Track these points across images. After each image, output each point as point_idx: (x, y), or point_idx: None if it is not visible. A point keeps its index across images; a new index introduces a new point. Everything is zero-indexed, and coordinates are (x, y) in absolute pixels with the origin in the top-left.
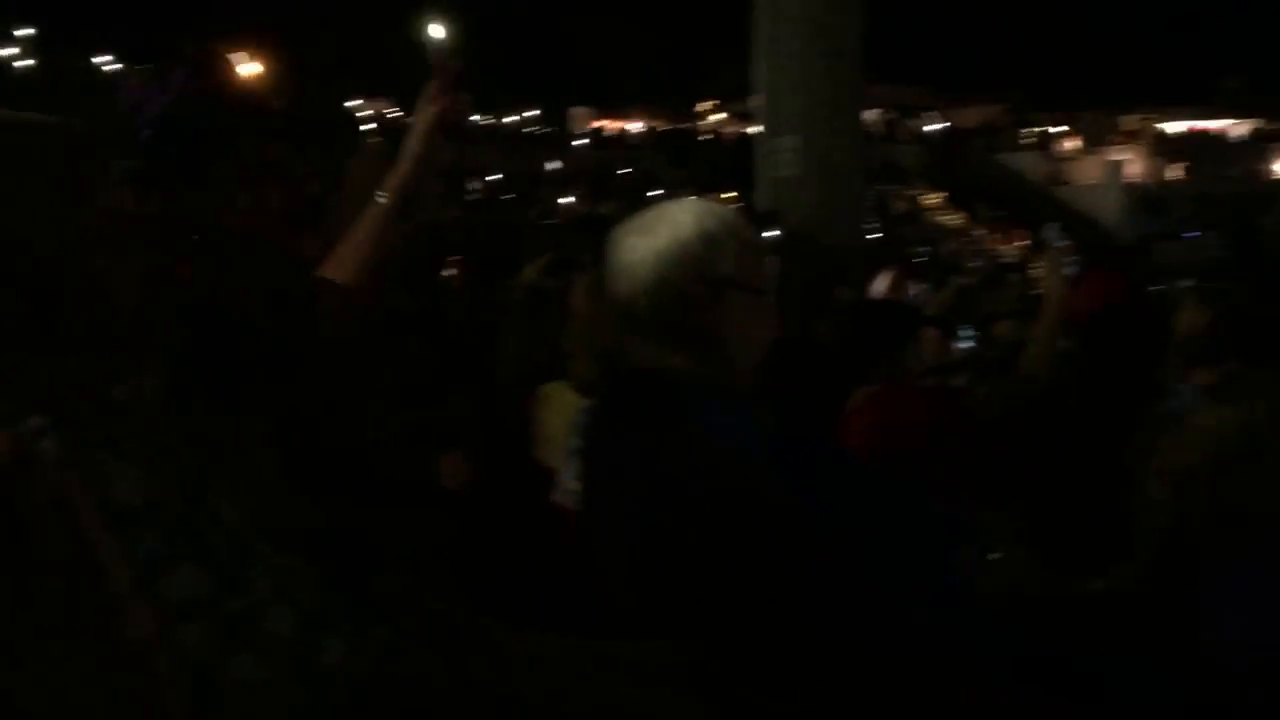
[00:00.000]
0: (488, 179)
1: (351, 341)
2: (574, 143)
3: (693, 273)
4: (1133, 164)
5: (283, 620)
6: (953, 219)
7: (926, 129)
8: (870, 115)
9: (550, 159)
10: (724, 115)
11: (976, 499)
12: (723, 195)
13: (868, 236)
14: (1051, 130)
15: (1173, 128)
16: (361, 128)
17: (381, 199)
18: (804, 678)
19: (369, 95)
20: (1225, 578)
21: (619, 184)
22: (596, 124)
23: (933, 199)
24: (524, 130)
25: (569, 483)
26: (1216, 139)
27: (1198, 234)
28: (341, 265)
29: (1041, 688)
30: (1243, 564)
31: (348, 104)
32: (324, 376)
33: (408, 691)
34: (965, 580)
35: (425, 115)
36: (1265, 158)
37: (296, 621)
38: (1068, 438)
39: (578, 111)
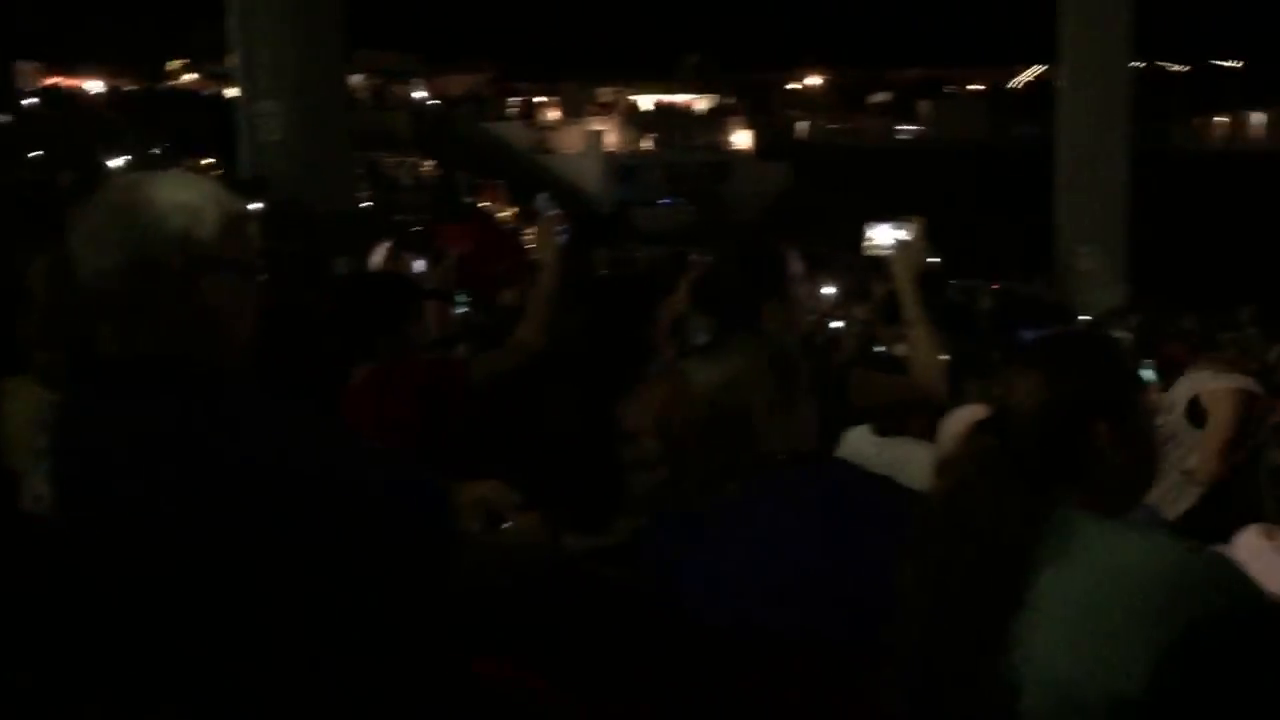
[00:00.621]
0: None
1: None
2: (23, 102)
3: (170, 249)
4: (610, 134)
5: None
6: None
7: (414, 96)
8: (357, 81)
9: None
10: (196, 76)
11: (482, 468)
12: (200, 162)
13: (360, 205)
14: (535, 100)
15: (643, 100)
16: None
17: None
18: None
19: None
20: (708, 530)
21: (78, 150)
22: (49, 81)
23: (424, 167)
24: None
25: (38, 487)
26: (682, 112)
27: (670, 201)
28: None
29: (549, 649)
30: (724, 516)
31: None
32: None
33: None
34: (475, 553)
35: None
36: (725, 130)
37: None
38: (566, 401)
39: (25, 67)
